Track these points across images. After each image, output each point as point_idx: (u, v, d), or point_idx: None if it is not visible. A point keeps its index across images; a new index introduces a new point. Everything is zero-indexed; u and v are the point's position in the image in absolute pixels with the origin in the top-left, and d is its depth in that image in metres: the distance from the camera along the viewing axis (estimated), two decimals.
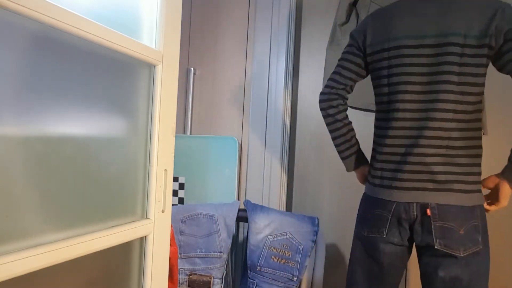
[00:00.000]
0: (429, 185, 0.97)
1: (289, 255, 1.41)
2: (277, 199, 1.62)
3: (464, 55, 0.95)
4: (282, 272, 1.40)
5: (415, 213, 0.97)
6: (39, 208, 0.52)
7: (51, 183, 0.54)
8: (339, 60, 1.15)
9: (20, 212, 0.49)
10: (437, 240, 0.94)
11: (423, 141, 0.97)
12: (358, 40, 1.11)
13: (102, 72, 0.63)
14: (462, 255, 0.93)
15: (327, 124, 1.16)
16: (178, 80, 0.81)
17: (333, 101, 1.12)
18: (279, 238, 1.43)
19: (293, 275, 1.39)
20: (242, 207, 1.56)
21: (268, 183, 1.64)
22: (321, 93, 1.15)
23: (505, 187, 0.97)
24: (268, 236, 1.44)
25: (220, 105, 1.76)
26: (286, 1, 1.64)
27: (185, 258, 1.48)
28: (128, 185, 0.70)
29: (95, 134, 0.61)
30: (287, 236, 1.43)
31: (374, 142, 1.11)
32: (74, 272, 0.59)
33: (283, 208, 1.64)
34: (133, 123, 0.70)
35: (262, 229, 1.45)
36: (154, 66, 0.73)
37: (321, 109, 1.15)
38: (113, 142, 0.66)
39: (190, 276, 1.46)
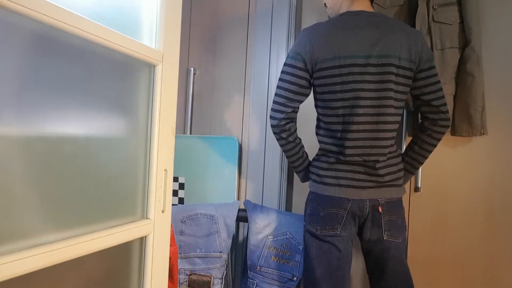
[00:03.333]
0: (379, 184, 1.13)
1: (289, 255, 1.40)
2: (277, 199, 1.62)
3: (398, 75, 1.10)
4: (282, 272, 1.40)
5: (367, 210, 1.12)
6: (39, 208, 0.52)
7: (51, 183, 0.54)
8: (282, 81, 1.15)
9: (20, 212, 0.49)
10: (385, 232, 1.12)
11: (375, 150, 1.11)
12: (306, 58, 1.12)
13: (102, 72, 0.63)
14: (400, 241, 1.15)
15: (281, 145, 1.22)
16: (178, 80, 0.81)
17: (285, 126, 1.17)
18: (279, 238, 1.43)
19: (293, 275, 1.39)
20: (242, 207, 1.56)
21: (268, 183, 1.64)
22: (272, 117, 1.17)
23: None
24: (268, 236, 1.44)
25: (220, 105, 1.76)
26: (286, 1, 1.64)
27: (185, 258, 1.48)
28: (128, 185, 0.69)
29: (95, 134, 0.61)
30: (287, 236, 1.43)
31: (324, 149, 1.18)
32: (74, 272, 0.59)
33: (283, 208, 1.64)
34: (133, 123, 0.70)
35: (262, 229, 1.45)
36: (154, 66, 0.73)
37: (274, 133, 1.20)
38: (113, 142, 0.66)
39: (190, 276, 1.46)
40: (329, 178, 1.14)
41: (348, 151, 1.11)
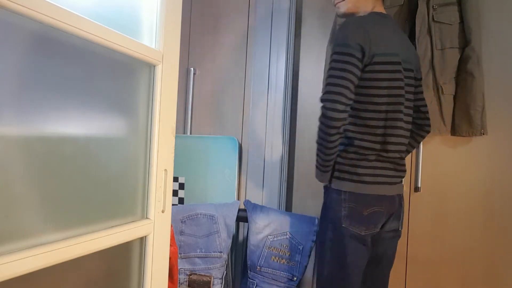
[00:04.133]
0: (400, 179, 1.19)
1: (289, 255, 1.41)
2: (277, 199, 1.62)
3: (416, 79, 1.21)
4: (282, 272, 1.40)
5: (396, 205, 1.16)
6: (39, 208, 0.52)
7: (51, 183, 0.54)
8: (341, 71, 1.04)
9: (20, 212, 0.49)
10: (401, 224, 1.19)
11: (404, 147, 1.16)
12: (365, 49, 1.04)
13: (102, 72, 0.63)
14: (400, 229, 1.22)
15: (332, 141, 1.07)
16: (178, 80, 0.81)
17: (346, 120, 1.06)
18: (279, 238, 1.43)
19: (293, 275, 1.39)
20: (242, 207, 1.56)
21: (268, 183, 1.64)
22: (333, 109, 1.02)
23: None
24: (268, 236, 1.44)
25: (220, 105, 1.76)
26: (286, 0, 1.64)
27: (185, 258, 1.48)
28: (128, 185, 0.69)
29: (95, 134, 0.61)
30: (287, 236, 1.43)
31: (358, 146, 1.10)
32: (74, 272, 0.59)
33: (283, 208, 1.64)
34: (133, 123, 0.70)
35: (262, 229, 1.45)
36: (154, 66, 0.73)
37: (333, 127, 1.04)
38: (113, 142, 0.66)
39: (190, 276, 1.46)
40: (368, 176, 1.10)
41: (390, 147, 1.11)
